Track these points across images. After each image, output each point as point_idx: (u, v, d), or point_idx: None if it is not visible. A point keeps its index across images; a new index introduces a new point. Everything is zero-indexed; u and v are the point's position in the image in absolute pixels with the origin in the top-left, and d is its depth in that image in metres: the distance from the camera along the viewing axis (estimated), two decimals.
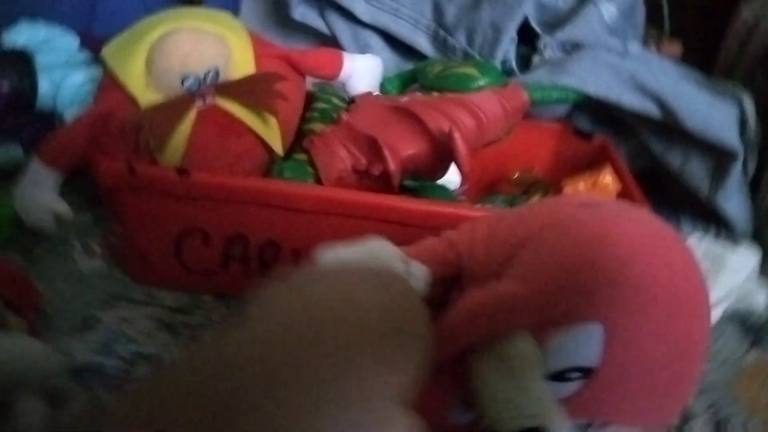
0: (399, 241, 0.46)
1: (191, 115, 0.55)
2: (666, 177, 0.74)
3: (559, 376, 0.32)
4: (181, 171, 0.56)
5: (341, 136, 0.61)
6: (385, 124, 0.61)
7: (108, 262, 0.66)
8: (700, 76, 0.68)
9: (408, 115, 0.60)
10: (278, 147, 0.59)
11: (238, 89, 0.54)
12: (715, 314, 0.65)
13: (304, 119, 0.67)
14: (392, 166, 0.58)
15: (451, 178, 0.74)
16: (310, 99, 0.70)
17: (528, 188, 0.71)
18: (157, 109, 0.54)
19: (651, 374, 0.32)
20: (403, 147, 0.60)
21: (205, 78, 0.54)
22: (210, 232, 0.60)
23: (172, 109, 0.54)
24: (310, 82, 0.73)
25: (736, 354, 0.66)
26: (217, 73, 0.54)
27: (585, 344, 0.31)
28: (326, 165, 0.60)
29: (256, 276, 0.62)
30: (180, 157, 0.56)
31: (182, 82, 0.54)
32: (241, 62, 0.56)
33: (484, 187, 0.80)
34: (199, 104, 0.55)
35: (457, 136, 0.57)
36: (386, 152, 0.58)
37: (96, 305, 0.61)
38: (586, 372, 0.32)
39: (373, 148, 0.59)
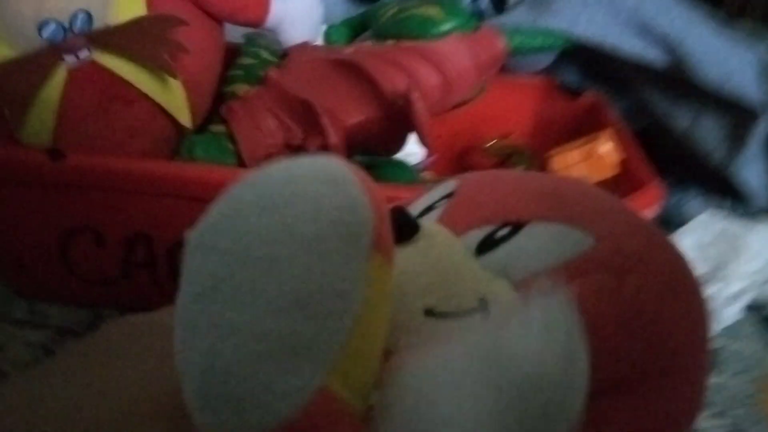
0: None
1: (59, 76, 0.40)
2: (668, 141, 0.62)
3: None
4: (54, 152, 0.42)
5: (268, 101, 0.47)
6: (324, 84, 0.47)
7: None
8: (713, 16, 0.56)
9: (353, 71, 0.46)
10: (185, 117, 0.45)
11: (122, 39, 0.40)
12: (734, 311, 0.54)
13: (224, 79, 0.52)
14: (333, 138, 0.45)
15: (412, 149, 0.61)
16: (234, 54, 0.56)
17: (506, 158, 0.58)
18: (10, 68, 0.39)
19: None
20: (348, 113, 0.46)
21: (71, 24, 0.40)
22: (103, 232, 0.46)
23: (30, 68, 0.39)
24: (239, 34, 0.59)
25: (758, 357, 0.55)
26: (89, 17, 0.40)
27: None
28: (249, 139, 0.46)
29: (167, 285, 0.49)
30: (50, 134, 0.42)
31: (39, 31, 0.39)
32: (125, 1, 0.41)
33: (453, 159, 0.67)
34: (69, 60, 0.40)
35: (416, 96, 0.43)
36: (325, 120, 0.44)
37: None
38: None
39: (308, 115, 0.46)
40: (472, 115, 0.67)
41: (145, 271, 0.48)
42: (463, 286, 0.23)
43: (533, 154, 0.55)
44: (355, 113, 0.46)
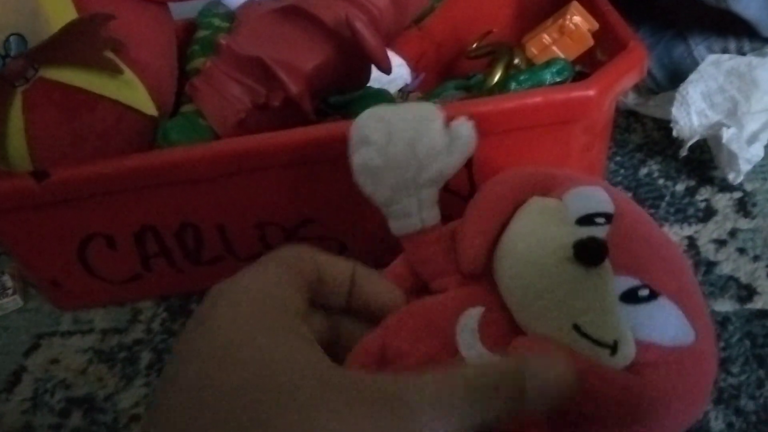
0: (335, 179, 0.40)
1: (16, 102, 0.42)
2: None
3: (588, 220, 0.30)
4: (37, 173, 0.44)
5: (226, 68, 0.47)
6: (274, 36, 0.46)
7: (24, 296, 0.56)
8: None
9: (298, 14, 0.46)
10: (148, 107, 0.46)
11: (58, 50, 0.41)
12: (756, 150, 0.51)
13: (185, 57, 0.53)
14: (293, 88, 0.44)
15: (396, 74, 0.60)
16: (193, 30, 0.56)
17: (490, 56, 0.56)
18: None
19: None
20: (304, 59, 0.45)
21: (6, 51, 0.40)
22: (110, 234, 0.48)
23: None
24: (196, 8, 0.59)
25: None
26: (22, 39, 0.41)
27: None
28: (216, 111, 0.47)
29: (187, 266, 0.50)
30: (27, 158, 0.44)
31: None
32: (54, 10, 0.42)
33: (441, 71, 0.66)
34: (19, 85, 0.41)
35: (358, 23, 0.42)
36: (280, 73, 0.44)
37: (20, 352, 0.51)
38: (609, 217, 0.30)
39: (266, 71, 0.45)
40: (452, 23, 0.65)
41: (161, 259, 0.50)
42: (608, 322, 0.27)
43: (512, 47, 0.53)
44: (311, 57, 0.46)
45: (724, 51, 0.56)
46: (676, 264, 0.30)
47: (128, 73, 0.44)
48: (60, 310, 0.54)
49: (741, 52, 0.55)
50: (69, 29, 0.40)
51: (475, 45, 0.59)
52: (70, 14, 0.42)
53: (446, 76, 0.63)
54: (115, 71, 0.42)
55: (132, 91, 0.45)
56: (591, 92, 0.42)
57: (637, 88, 0.61)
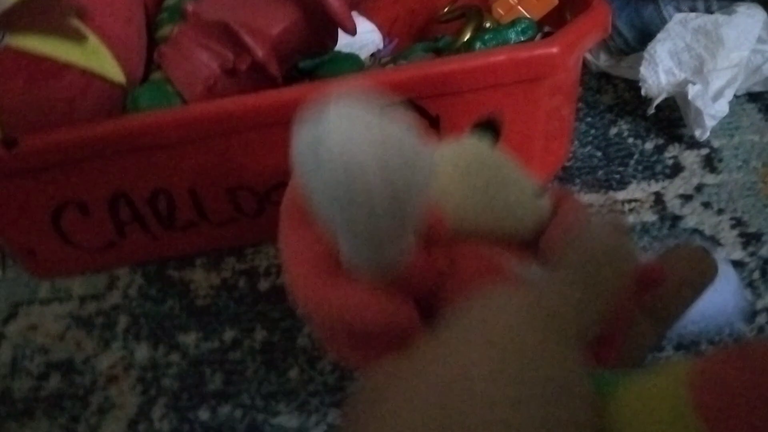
0: None
1: None
2: None
3: None
4: (5, 141, 0.44)
5: (193, 35, 0.47)
6: (238, 0, 0.46)
7: (2, 266, 0.56)
8: None
9: None
10: (116, 74, 0.46)
11: (22, 17, 0.41)
12: (721, 106, 0.51)
13: (154, 25, 0.53)
14: (260, 53, 0.45)
15: (370, 37, 0.60)
16: None
17: (460, 19, 0.56)
18: None
19: None
20: (270, 23, 0.46)
21: None
22: (83, 201, 0.49)
23: None
24: None
25: (759, 147, 0.53)
26: None
27: None
28: (185, 77, 0.47)
29: (161, 232, 0.51)
30: None
31: None
32: None
33: (415, 36, 0.66)
34: None
35: None
36: (247, 38, 0.44)
37: None
38: None
39: (232, 36, 0.45)
40: None
41: (135, 226, 0.50)
42: None
43: (480, 9, 0.53)
44: (277, 21, 0.46)
45: (693, 10, 0.56)
46: None
47: (94, 40, 0.44)
48: (38, 279, 0.55)
49: (709, 11, 0.55)
50: None
51: (446, 9, 0.59)
52: None
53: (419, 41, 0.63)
54: (79, 38, 0.42)
55: (98, 59, 0.45)
56: (554, 49, 0.43)
57: (608, 50, 0.62)
